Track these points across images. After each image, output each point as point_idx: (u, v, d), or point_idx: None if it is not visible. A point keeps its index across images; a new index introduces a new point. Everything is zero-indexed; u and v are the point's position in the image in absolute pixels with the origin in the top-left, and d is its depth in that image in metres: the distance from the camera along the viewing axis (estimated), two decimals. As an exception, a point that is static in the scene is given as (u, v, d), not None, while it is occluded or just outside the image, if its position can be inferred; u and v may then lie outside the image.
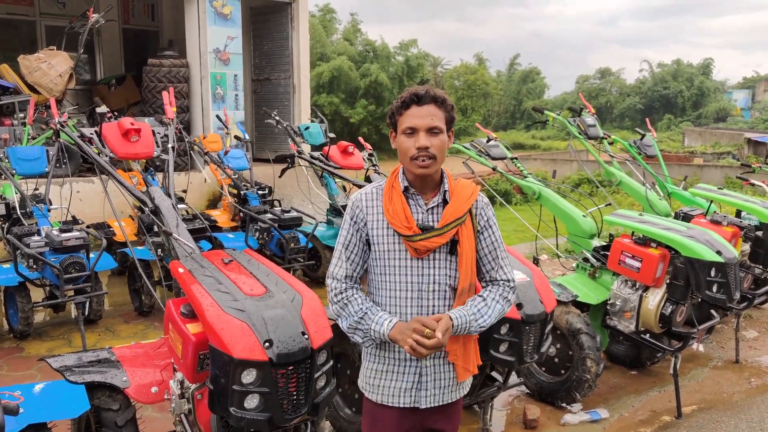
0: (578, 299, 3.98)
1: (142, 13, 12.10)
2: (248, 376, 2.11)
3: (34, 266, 4.32)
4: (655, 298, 3.81)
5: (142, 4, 12.02)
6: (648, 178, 5.48)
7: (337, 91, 26.71)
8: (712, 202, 4.93)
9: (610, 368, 4.60)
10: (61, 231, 4.44)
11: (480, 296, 2.08)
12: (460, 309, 2.02)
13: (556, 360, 3.96)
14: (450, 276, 2.02)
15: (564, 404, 3.91)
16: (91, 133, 3.20)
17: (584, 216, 4.30)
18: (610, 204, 4.45)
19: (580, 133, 5.44)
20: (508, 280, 2.11)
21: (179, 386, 2.46)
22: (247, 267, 2.55)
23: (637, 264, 3.80)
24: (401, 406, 2.08)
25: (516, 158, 4.82)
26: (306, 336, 2.20)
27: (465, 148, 4.72)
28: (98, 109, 3.12)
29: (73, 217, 5.26)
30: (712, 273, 3.59)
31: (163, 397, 2.53)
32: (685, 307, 3.81)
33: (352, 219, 2.07)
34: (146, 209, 3.01)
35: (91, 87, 11.20)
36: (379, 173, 4.44)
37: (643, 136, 6.05)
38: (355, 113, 26.72)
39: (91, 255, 4.46)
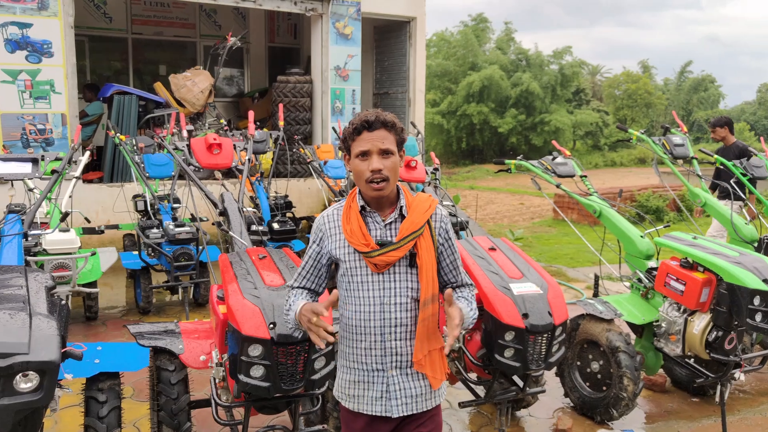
0: (623, 318, 4.03)
1: (285, 32, 13.31)
2: (254, 351, 2.58)
3: (153, 254, 5.20)
4: (700, 323, 3.77)
5: (286, 24, 13.22)
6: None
7: (487, 101, 26.61)
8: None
9: (672, 393, 4.53)
10: (176, 226, 5.29)
11: (461, 297, 2.18)
12: (460, 302, 2.12)
13: (599, 376, 4.04)
14: (411, 288, 2.10)
15: (603, 420, 3.98)
16: (183, 146, 3.89)
17: (641, 236, 4.31)
18: (668, 226, 4.40)
19: (665, 153, 5.34)
20: (471, 284, 2.26)
21: (218, 356, 3.01)
22: (277, 263, 3.04)
23: (681, 287, 3.78)
24: (374, 414, 2.14)
25: (585, 176, 4.89)
26: (306, 322, 2.63)
27: (532, 165, 4.89)
28: (187, 126, 3.79)
29: (192, 214, 6.16)
30: (756, 301, 3.49)
31: (207, 364, 3.10)
32: (735, 334, 3.72)
33: (314, 241, 2.20)
34: (217, 210, 3.63)
35: (238, 99, 12.58)
36: (437, 188, 4.76)
37: (750, 156, 5.77)
38: (504, 123, 26.38)
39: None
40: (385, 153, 2.05)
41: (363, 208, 2.12)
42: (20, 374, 2.17)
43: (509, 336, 3.10)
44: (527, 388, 3.45)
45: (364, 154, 2.06)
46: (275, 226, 5.57)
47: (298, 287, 2.23)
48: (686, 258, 3.89)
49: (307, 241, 6.52)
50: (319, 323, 1.98)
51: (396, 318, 2.10)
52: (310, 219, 7.78)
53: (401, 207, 2.13)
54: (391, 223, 2.12)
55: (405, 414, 2.13)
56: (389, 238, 2.09)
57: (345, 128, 2.14)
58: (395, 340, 2.10)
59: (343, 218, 2.13)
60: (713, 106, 44.24)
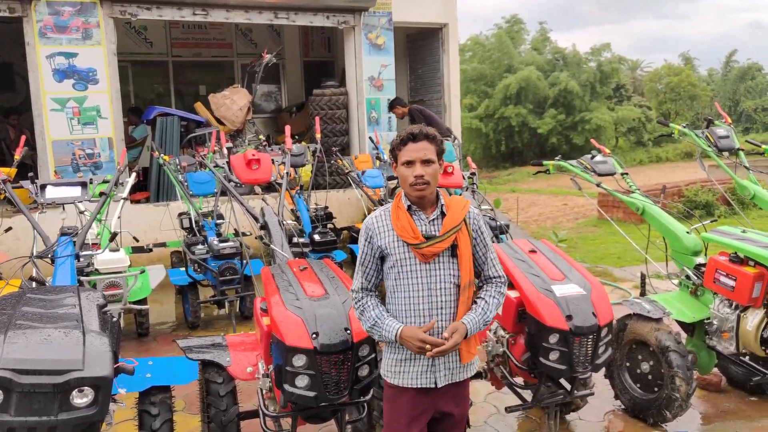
0: (672, 317, 3.93)
1: (319, 46, 13.48)
2: (298, 361, 2.62)
3: (199, 270, 5.32)
4: (754, 319, 3.65)
5: (319, 39, 13.39)
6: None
7: (525, 102, 26.39)
8: None
9: (728, 392, 4.39)
10: (220, 241, 5.41)
11: (480, 298, 2.51)
12: (470, 314, 2.43)
13: (650, 377, 3.94)
14: (453, 275, 2.44)
15: (657, 422, 3.88)
16: (224, 164, 3.99)
17: (687, 232, 4.20)
18: (715, 220, 4.28)
19: (709, 146, 5.20)
20: (500, 276, 2.55)
21: (264, 367, 3.06)
22: (318, 274, 3.09)
23: (731, 282, 3.67)
24: (419, 386, 2.43)
25: (626, 174, 4.79)
26: (348, 331, 2.67)
27: (571, 165, 4.83)
28: (226, 144, 3.89)
29: (235, 230, 6.29)
30: (812, 294, 3.37)
31: (254, 376, 3.15)
32: (792, 330, 3.59)
33: (366, 240, 2.49)
34: (258, 224, 3.71)
35: (276, 115, 12.79)
36: (475, 192, 4.74)
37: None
38: (543, 123, 26.05)
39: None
40: (426, 162, 2.38)
41: (409, 207, 2.45)
42: (76, 390, 2.26)
43: (553, 338, 3.06)
44: (575, 391, 3.41)
45: (409, 163, 2.39)
46: (316, 237, 5.65)
47: (364, 289, 2.50)
48: (735, 252, 3.78)
49: (349, 251, 6.61)
50: (438, 351, 2.31)
51: (441, 301, 2.42)
52: (350, 229, 7.84)
53: (442, 206, 2.47)
54: (434, 219, 2.45)
55: (448, 383, 2.45)
56: (434, 232, 2.42)
57: (393, 140, 2.50)
58: (440, 320, 2.41)
59: (393, 216, 2.45)
60: (762, 95, 42.58)
